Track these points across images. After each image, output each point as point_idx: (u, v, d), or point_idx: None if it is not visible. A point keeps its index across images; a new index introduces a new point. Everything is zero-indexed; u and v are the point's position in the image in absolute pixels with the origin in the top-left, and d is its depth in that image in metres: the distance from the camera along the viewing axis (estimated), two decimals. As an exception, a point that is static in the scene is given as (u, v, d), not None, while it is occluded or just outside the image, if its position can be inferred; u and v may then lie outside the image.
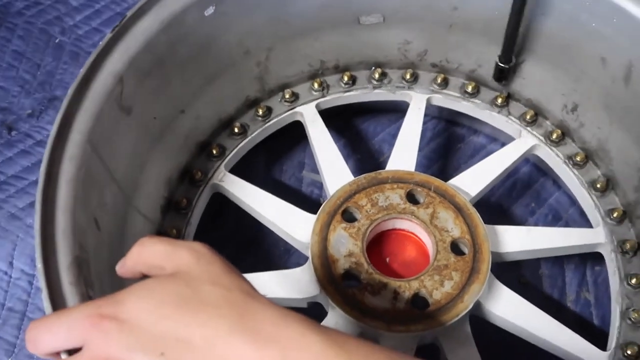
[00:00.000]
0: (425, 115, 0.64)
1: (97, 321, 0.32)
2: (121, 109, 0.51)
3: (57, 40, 0.77)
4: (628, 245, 0.57)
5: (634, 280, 0.55)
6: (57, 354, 0.34)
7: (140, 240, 0.37)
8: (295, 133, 0.67)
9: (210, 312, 0.32)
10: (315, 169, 0.67)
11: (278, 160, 0.70)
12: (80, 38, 0.77)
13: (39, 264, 0.39)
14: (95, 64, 0.49)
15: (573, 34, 0.57)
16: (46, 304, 0.38)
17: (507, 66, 0.62)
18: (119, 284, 0.41)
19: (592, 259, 0.62)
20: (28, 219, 0.64)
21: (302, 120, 0.65)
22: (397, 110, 0.69)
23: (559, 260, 0.63)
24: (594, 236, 0.58)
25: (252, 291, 0.34)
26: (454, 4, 0.60)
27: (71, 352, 0.33)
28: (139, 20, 0.51)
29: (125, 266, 0.38)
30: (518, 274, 0.61)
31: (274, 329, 0.32)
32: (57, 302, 0.39)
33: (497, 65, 0.63)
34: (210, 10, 0.55)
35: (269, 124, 0.64)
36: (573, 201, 0.65)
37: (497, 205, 0.66)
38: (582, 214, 0.64)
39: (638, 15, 0.52)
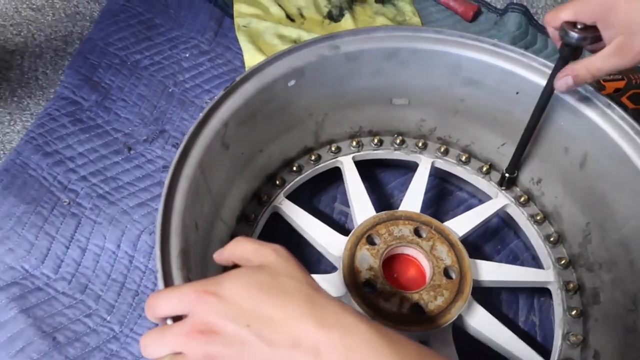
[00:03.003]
0: (427, 173, 0.63)
1: (202, 295, 0.31)
2: (223, 145, 0.50)
3: (170, 90, 0.76)
4: (571, 286, 0.55)
5: (574, 312, 0.53)
6: (165, 320, 0.33)
7: (236, 239, 0.36)
8: (332, 175, 0.66)
9: (285, 298, 0.31)
10: (344, 202, 0.66)
11: (319, 192, 0.68)
12: (187, 90, 0.77)
13: (158, 252, 0.38)
14: (210, 112, 0.48)
15: (545, 127, 0.56)
16: (160, 282, 0.37)
17: (512, 176, 0.60)
18: (206, 270, 0.40)
19: (539, 292, 0.60)
20: (135, 215, 0.63)
21: (341, 167, 0.63)
22: (407, 167, 0.68)
23: (514, 291, 0.61)
24: (546, 276, 0.56)
25: (317, 286, 0.33)
26: (462, 96, 0.59)
27: (175, 320, 0.32)
28: (242, 84, 0.51)
29: (222, 256, 0.37)
30: (485, 297, 0.59)
31: (335, 316, 0.30)
32: (168, 281, 0.37)
33: (502, 174, 0.61)
34: (292, 83, 0.54)
35: (317, 166, 0.63)
36: (527, 248, 0.63)
37: (473, 244, 0.65)
38: (534, 258, 0.62)
39: (592, 117, 0.51)
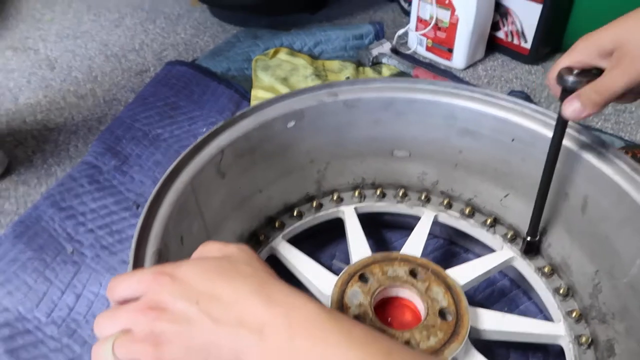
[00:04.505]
0: (429, 234, 0.62)
1: (159, 276, 0.32)
2: (218, 172, 0.53)
3: (184, 156, 0.83)
4: (583, 339, 0.51)
5: (587, 367, 0.49)
6: (126, 302, 0.34)
7: (204, 242, 0.38)
8: (332, 232, 0.66)
9: (239, 280, 0.32)
10: (343, 260, 0.67)
11: (318, 249, 0.68)
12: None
13: (133, 245, 0.40)
14: (207, 138, 0.52)
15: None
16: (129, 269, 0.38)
17: (535, 239, 0.57)
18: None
19: (554, 356, 0.56)
20: (135, 266, 0.65)
21: (342, 217, 0.64)
22: (411, 228, 0.67)
23: (525, 353, 0.57)
24: (556, 328, 0.53)
25: (273, 273, 0.34)
26: (460, 148, 0.61)
27: None
28: (242, 119, 0.55)
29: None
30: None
31: (284, 296, 0.31)
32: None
33: (524, 239, 0.58)
34: (291, 124, 0.58)
35: (318, 214, 0.65)
36: (540, 310, 0.60)
37: (478, 304, 0.61)
38: (546, 319, 0.58)
39: (588, 157, 0.51)
